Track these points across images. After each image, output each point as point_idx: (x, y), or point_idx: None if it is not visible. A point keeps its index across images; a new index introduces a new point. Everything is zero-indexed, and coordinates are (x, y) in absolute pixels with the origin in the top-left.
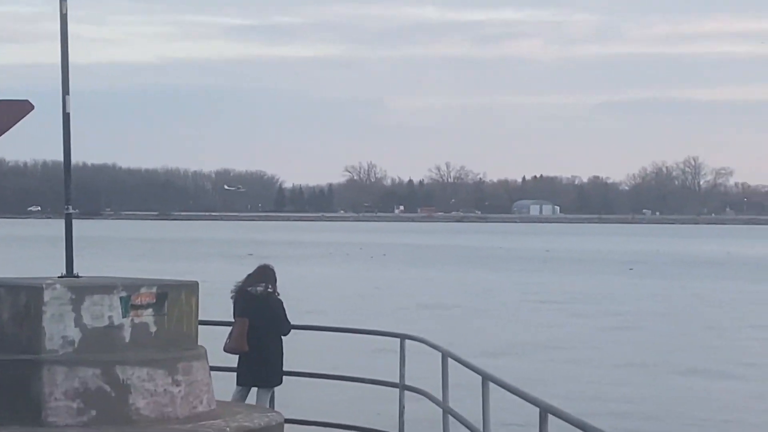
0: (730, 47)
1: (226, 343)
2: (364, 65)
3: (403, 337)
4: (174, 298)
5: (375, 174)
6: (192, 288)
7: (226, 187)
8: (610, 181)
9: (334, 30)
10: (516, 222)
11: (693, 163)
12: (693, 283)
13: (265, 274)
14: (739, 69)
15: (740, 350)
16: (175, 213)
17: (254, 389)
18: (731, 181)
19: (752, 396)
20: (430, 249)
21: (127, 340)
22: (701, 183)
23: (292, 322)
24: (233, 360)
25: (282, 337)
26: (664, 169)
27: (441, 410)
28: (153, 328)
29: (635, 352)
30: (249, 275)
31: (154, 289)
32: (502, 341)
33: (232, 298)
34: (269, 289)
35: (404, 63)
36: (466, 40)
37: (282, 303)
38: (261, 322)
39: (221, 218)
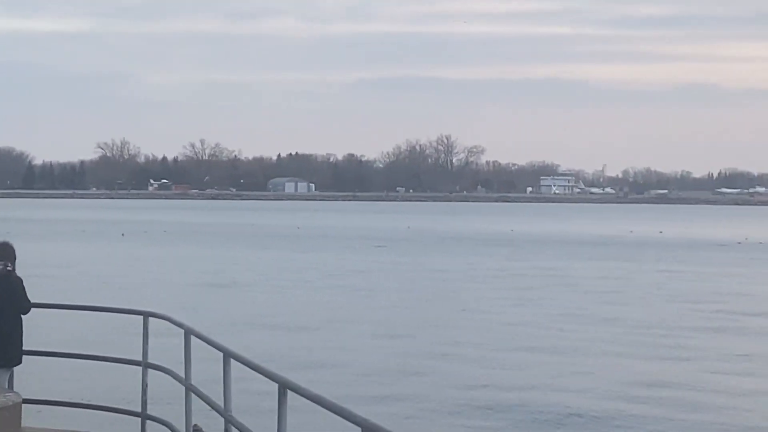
0: (480, 27)
1: None
2: (115, 40)
3: (146, 315)
4: None
5: (128, 151)
6: None
7: None
8: (364, 158)
9: (83, 3)
10: (271, 199)
11: (446, 141)
12: (438, 258)
13: (4, 252)
14: (488, 48)
15: (472, 323)
16: None
17: None
18: (483, 160)
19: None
20: (183, 226)
21: None
22: (454, 161)
23: (33, 301)
24: None
25: (21, 315)
26: (417, 148)
27: (183, 387)
28: None
29: (383, 328)
30: None
31: None
32: (248, 317)
33: None
34: (9, 268)
35: (157, 38)
36: (219, 16)
37: (22, 281)
38: None
39: None
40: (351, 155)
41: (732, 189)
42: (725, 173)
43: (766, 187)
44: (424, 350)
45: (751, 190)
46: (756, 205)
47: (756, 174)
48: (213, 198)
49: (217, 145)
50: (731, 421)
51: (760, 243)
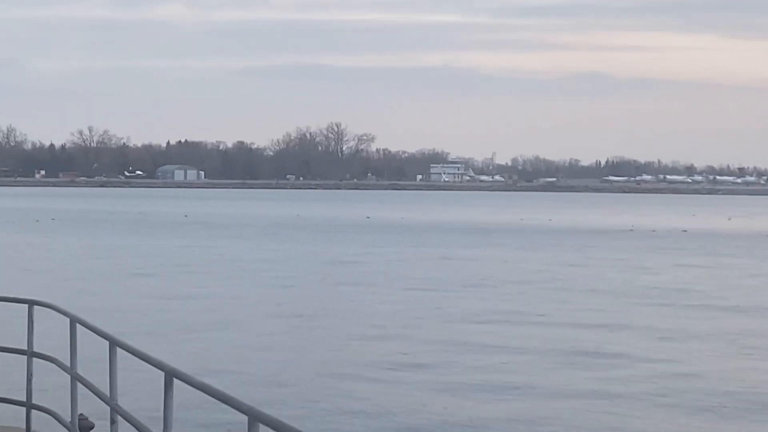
0: (371, 15)
1: None
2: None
3: (31, 303)
4: None
5: (15, 138)
6: None
7: None
8: (254, 146)
9: None
10: (160, 187)
11: (336, 129)
12: (327, 247)
13: None
14: (379, 36)
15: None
16: None
17: None
18: (373, 147)
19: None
20: (69, 213)
21: None
22: (344, 149)
23: None
24: None
25: None
26: (308, 135)
27: (69, 376)
28: None
29: (272, 315)
30: None
31: None
32: (135, 305)
33: None
34: None
35: (42, 24)
36: (106, 3)
37: None
38: None
39: None
40: (241, 143)
41: (619, 177)
42: (612, 161)
43: (651, 175)
44: (308, 336)
45: (637, 178)
46: (642, 192)
47: (642, 162)
48: (101, 185)
49: (105, 132)
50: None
51: (653, 231)
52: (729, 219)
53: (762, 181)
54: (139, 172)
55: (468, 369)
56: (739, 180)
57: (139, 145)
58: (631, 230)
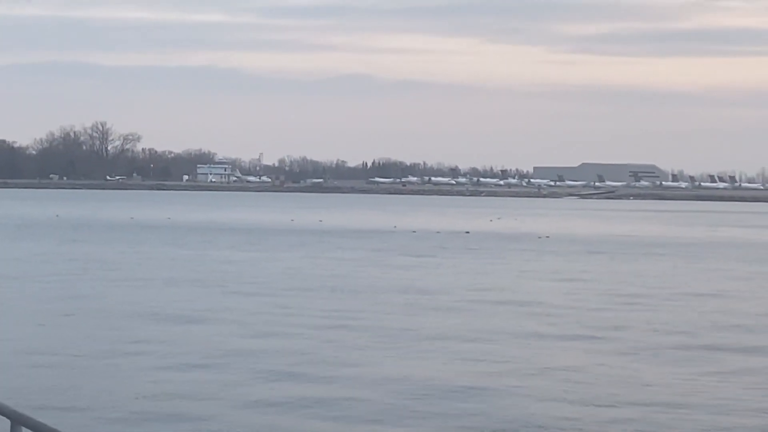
0: (137, 13)
1: None
2: None
3: None
4: None
5: None
6: None
7: None
8: (17, 145)
9: None
10: None
11: (101, 128)
12: (86, 247)
13: None
14: (144, 35)
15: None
16: None
17: None
18: (139, 147)
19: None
20: None
21: None
22: (109, 148)
23: None
24: None
25: None
26: (72, 134)
27: None
28: None
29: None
30: None
31: None
32: None
33: None
34: None
35: None
36: None
37: None
38: None
39: None
40: (2, 141)
41: (385, 178)
42: (379, 162)
43: (417, 177)
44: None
45: (403, 180)
46: (408, 194)
47: (408, 163)
48: None
49: None
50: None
51: (414, 231)
52: (490, 221)
53: (524, 183)
54: None
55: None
56: (501, 182)
57: None
58: (395, 229)
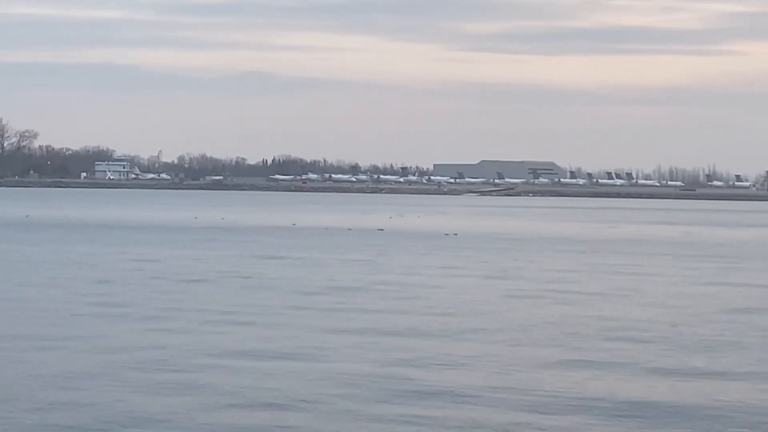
0: (33, 9)
1: None
2: None
3: None
4: None
5: None
6: None
7: None
8: None
9: None
10: None
11: None
12: None
13: None
14: (41, 31)
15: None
16: None
17: None
18: (36, 144)
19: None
20: None
21: None
22: (5, 145)
23: None
24: None
25: None
26: None
27: None
28: None
29: None
30: None
31: None
32: None
33: None
34: None
35: None
36: None
37: None
38: None
39: None
40: None
41: (285, 176)
42: (279, 160)
43: (317, 174)
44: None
45: (303, 177)
46: (308, 191)
47: (308, 161)
48: None
49: None
50: None
51: (308, 228)
52: (390, 218)
53: (424, 180)
54: None
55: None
56: (401, 179)
57: None
58: (294, 225)
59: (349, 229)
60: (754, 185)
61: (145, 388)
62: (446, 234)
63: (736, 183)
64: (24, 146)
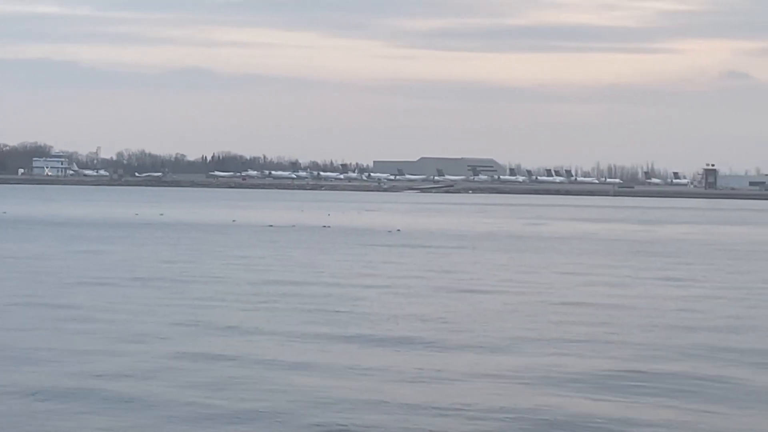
0: None
1: None
2: None
3: None
4: None
5: None
6: None
7: None
8: None
9: None
10: None
11: None
12: None
13: None
14: None
15: None
16: None
17: None
18: None
19: None
20: None
21: None
22: None
23: None
24: None
25: None
26: None
27: None
28: None
29: None
30: None
31: None
32: None
33: None
34: None
35: None
36: None
37: None
38: None
39: None
40: None
41: (225, 172)
42: (218, 156)
43: (257, 171)
44: None
45: (243, 174)
46: (248, 188)
47: (248, 157)
48: None
49: None
50: None
51: (250, 225)
52: (329, 215)
53: (364, 177)
54: None
55: None
56: (341, 176)
57: None
58: (234, 222)
59: (293, 226)
60: (691, 183)
61: None
62: (389, 231)
63: (674, 180)
64: None
